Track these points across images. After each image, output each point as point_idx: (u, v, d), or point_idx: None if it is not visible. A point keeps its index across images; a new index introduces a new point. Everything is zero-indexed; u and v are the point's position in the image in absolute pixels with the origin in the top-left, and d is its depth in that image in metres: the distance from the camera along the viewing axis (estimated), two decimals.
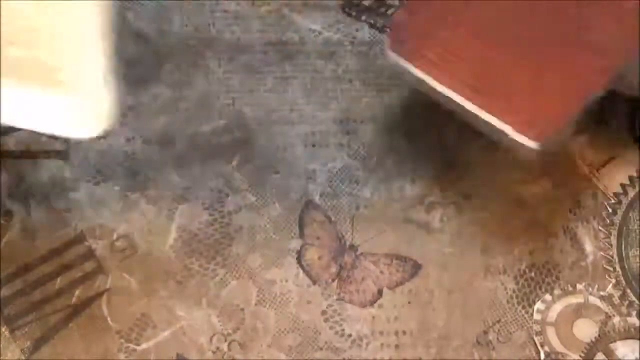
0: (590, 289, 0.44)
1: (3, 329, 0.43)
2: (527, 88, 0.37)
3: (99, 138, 0.47)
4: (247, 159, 0.46)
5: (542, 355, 0.42)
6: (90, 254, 0.44)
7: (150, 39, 0.49)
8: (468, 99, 0.38)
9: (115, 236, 0.45)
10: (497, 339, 0.43)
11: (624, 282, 0.44)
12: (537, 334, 0.43)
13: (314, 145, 0.47)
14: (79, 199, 0.45)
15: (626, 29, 0.38)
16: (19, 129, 0.47)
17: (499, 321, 0.43)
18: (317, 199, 0.46)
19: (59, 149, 0.47)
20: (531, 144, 0.37)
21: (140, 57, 0.48)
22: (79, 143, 0.47)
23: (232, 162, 0.46)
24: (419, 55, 0.39)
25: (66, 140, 0.47)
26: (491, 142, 0.47)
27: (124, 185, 0.46)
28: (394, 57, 0.39)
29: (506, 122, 0.37)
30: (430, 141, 0.47)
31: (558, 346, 0.42)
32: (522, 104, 0.37)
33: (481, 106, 0.37)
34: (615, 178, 0.46)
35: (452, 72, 0.38)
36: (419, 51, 0.38)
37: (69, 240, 0.45)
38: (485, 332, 0.43)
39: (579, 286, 0.44)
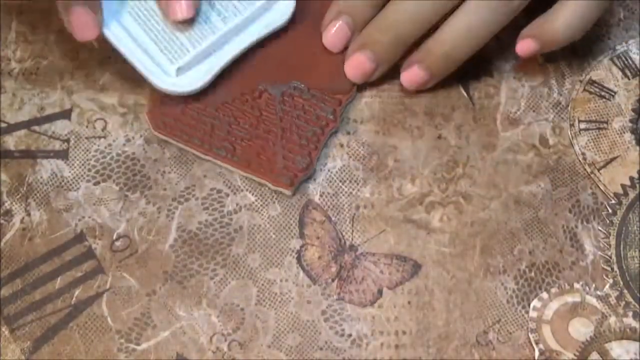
0: (587, 288, 0.44)
1: (3, 329, 0.43)
2: (272, 153, 0.46)
3: (98, 137, 0.47)
4: None
5: (537, 353, 0.42)
6: (90, 254, 0.44)
7: None
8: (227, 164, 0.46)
9: (115, 236, 0.45)
10: (497, 338, 0.43)
11: (621, 282, 0.44)
12: (532, 331, 0.43)
13: None
14: (79, 199, 0.45)
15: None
16: (19, 129, 0.47)
17: (498, 321, 0.43)
18: (317, 198, 0.46)
19: (59, 149, 0.47)
20: (286, 191, 0.45)
21: None
22: (79, 143, 0.47)
23: None
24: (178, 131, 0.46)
25: (66, 140, 0.47)
26: (490, 142, 0.47)
27: (124, 185, 0.46)
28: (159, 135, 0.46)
29: (264, 179, 0.45)
30: (430, 141, 0.47)
31: (553, 344, 0.43)
32: (272, 166, 0.45)
33: (240, 168, 0.46)
34: (615, 179, 0.46)
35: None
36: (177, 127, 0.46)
37: (69, 240, 0.45)
38: (485, 332, 0.43)
39: (576, 285, 0.44)
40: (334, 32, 0.47)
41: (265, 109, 0.46)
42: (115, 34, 0.45)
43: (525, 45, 0.45)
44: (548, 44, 0.45)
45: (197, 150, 0.46)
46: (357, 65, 0.46)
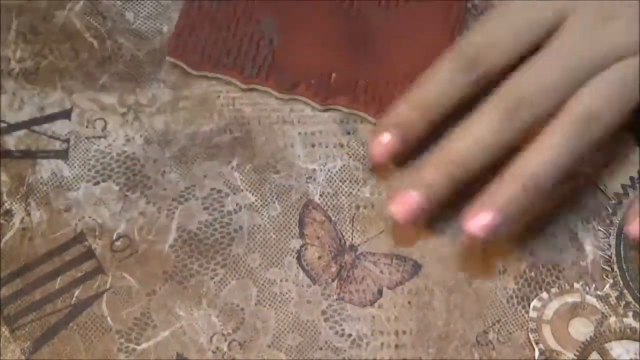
0: (587, 288, 0.44)
1: (3, 329, 0.43)
2: None
3: (98, 137, 0.47)
4: (246, 159, 0.46)
5: (537, 353, 0.42)
6: (90, 254, 0.44)
7: (150, 39, 0.49)
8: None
9: (115, 236, 0.45)
10: (497, 338, 0.43)
11: (621, 282, 0.44)
12: (532, 331, 0.43)
13: (313, 145, 0.47)
14: (79, 199, 0.45)
15: None
16: (19, 129, 0.47)
17: (499, 321, 0.43)
18: (317, 198, 0.46)
19: (59, 149, 0.47)
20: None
21: (140, 57, 0.48)
22: (79, 143, 0.47)
23: (232, 162, 0.46)
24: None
25: (66, 140, 0.47)
26: None
27: (124, 185, 0.46)
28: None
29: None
30: (430, 139, 0.47)
31: (553, 344, 0.43)
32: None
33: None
34: (616, 178, 0.46)
35: None
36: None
37: (69, 240, 0.45)
38: (485, 332, 0.43)
39: (576, 285, 0.44)
40: (383, 144, 0.43)
41: None
42: None
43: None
44: None
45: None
46: (405, 203, 0.42)
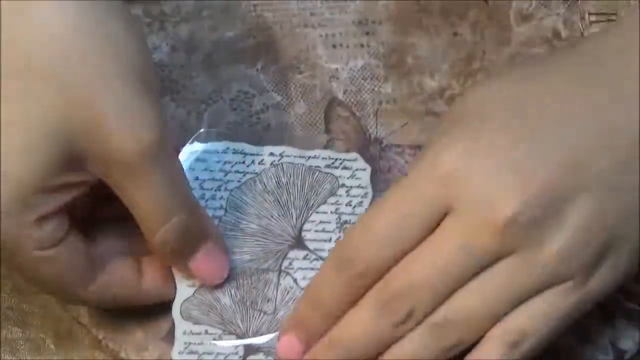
0: None
1: None
2: None
3: None
4: (271, 62, 0.48)
5: None
6: None
7: None
8: None
9: None
10: None
11: None
12: None
13: (334, 46, 0.48)
14: None
15: None
16: None
17: None
18: (340, 96, 0.47)
19: None
20: None
21: None
22: None
23: (257, 65, 0.48)
24: None
25: None
26: (505, 37, 0.48)
27: None
28: None
29: None
30: (447, 36, 0.48)
31: None
32: None
33: None
34: None
35: None
36: None
37: None
38: None
39: None
40: (284, 345, 0.41)
41: None
42: None
43: None
44: None
45: None
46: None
